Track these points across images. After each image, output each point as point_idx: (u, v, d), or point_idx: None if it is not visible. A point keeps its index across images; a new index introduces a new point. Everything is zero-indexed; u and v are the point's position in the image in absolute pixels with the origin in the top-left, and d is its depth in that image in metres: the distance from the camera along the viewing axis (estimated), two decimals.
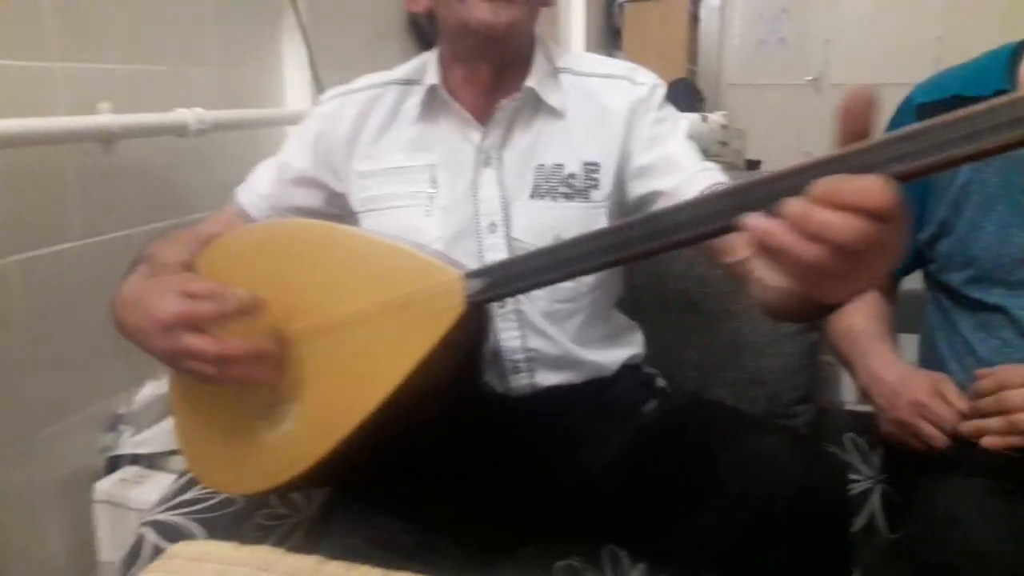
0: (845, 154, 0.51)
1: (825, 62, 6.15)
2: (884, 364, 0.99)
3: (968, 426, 0.89)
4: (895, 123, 1.09)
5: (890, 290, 1.15)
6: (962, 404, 0.91)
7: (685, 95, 3.41)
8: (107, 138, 1.10)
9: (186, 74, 1.35)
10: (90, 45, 1.17)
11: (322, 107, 1.02)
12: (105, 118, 1.10)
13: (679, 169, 0.92)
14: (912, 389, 0.94)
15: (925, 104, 1.05)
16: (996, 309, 0.99)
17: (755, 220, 0.51)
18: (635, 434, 0.95)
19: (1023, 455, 0.89)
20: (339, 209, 1.03)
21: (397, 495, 0.84)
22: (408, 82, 1.00)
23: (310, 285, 0.83)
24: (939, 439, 0.91)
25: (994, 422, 0.86)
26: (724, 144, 1.91)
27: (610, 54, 4.48)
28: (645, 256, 0.66)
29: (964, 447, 0.92)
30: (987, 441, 0.86)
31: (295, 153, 1.02)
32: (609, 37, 4.44)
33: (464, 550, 0.82)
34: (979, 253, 0.99)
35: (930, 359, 1.10)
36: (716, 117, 1.92)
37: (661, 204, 0.92)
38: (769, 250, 0.51)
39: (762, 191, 0.54)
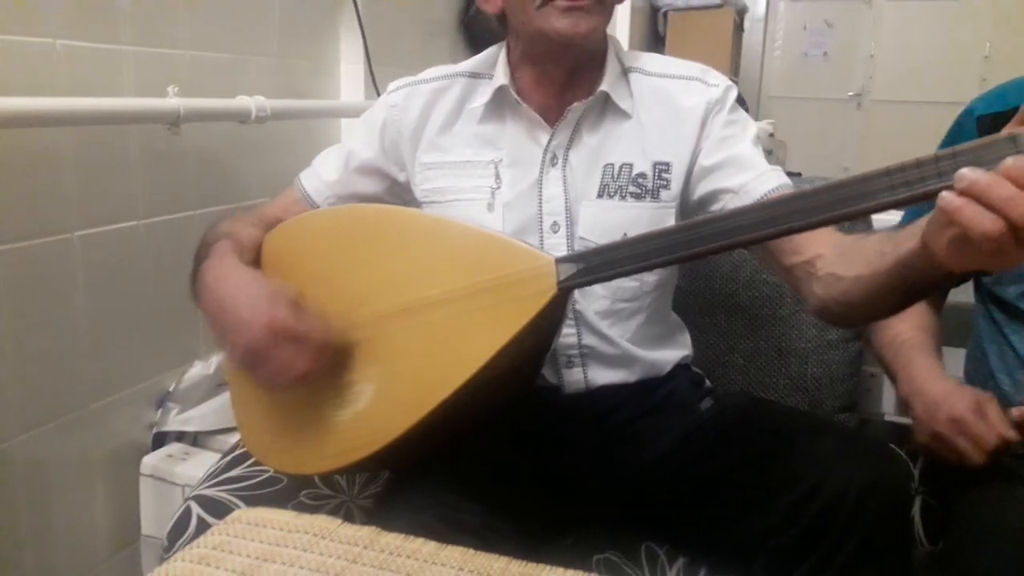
0: None
1: (868, 77, 6.09)
2: (928, 376, 0.99)
3: (1019, 412, 0.88)
4: (954, 135, 1.08)
5: (938, 302, 1.15)
6: (1003, 426, 0.90)
7: None
8: (173, 120, 1.13)
9: (247, 63, 1.39)
10: (159, 31, 1.21)
11: (389, 96, 1.03)
12: (173, 101, 1.13)
13: (748, 168, 0.92)
14: (954, 404, 0.94)
15: (986, 116, 1.04)
16: None
17: (974, 174, 0.53)
18: (692, 431, 0.95)
19: None
20: (400, 199, 1.04)
21: (463, 477, 0.85)
22: (475, 75, 1.01)
23: (390, 268, 0.84)
24: (976, 458, 0.90)
25: None
26: (770, 153, 1.91)
27: None
28: (748, 244, 0.69)
29: (1010, 457, 0.91)
30: None
31: (361, 141, 1.03)
32: (653, 44, 4.43)
33: (522, 535, 0.83)
34: None
35: (979, 371, 1.09)
36: (764, 125, 1.91)
37: (728, 201, 0.92)
38: (988, 199, 0.53)
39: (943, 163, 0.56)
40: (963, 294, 1.16)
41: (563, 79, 0.95)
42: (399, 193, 1.04)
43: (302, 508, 1.00)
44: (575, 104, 0.94)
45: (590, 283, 0.79)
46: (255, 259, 0.93)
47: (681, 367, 1.04)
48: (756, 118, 6.12)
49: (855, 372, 1.23)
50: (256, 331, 0.77)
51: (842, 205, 0.61)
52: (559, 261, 0.76)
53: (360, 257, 0.86)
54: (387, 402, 0.82)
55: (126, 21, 1.15)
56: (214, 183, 1.34)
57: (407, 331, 0.82)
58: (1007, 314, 1.04)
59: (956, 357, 1.17)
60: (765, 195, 0.89)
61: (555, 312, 0.81)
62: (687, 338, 1.08)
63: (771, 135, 1.92)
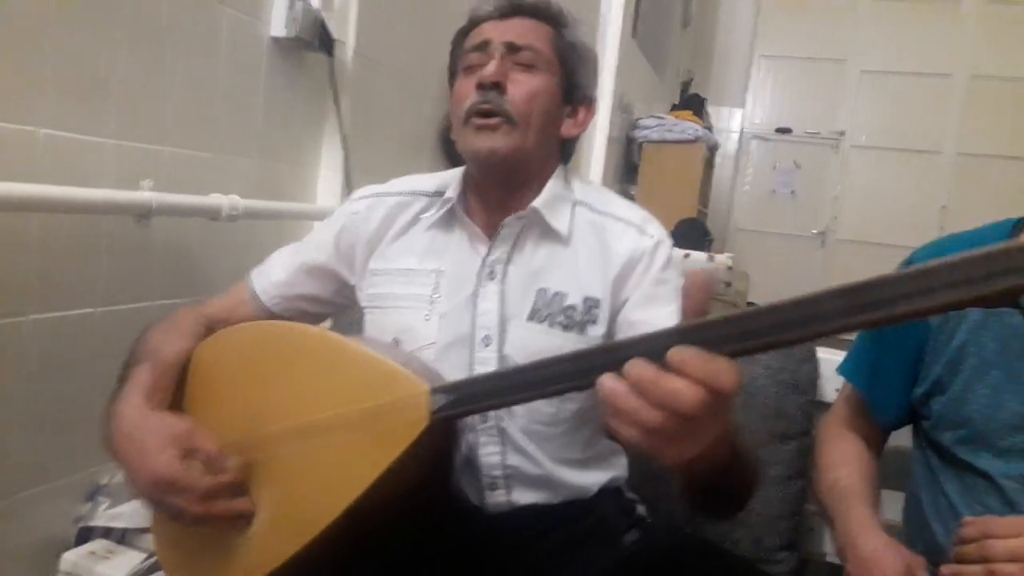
0: (698, 325, 0.55)
1: (833, 217, 6.36)
2: (862, 530, 0.99)
3: (948, 571, 0.89)
4: None
5: (878, 445, 1.17)
6: None
7: (693, 234, 3.52)
8: (144, 213, 1.16)
9: (228, 162, 1.43)
10: (144, 125, 1.25)
11: (352, 204, 1.07)
12: (145, 195, 1.16)
13: None
14: (883, 568, 0.94)
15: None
16: (982, 475, 1.00)
17: (607, 381, 0.56)
18: (615, 564, 0.94)
19: None
20: (347, 300, 1.07)
21: None
22: (436, 194, 1.05)
23: (290, 389, 0.85)
24: None
25: (974, 570, 0.85)
26: (728, 284, 1.97)
27: (625, 189, 4.66)
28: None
29: None
30: None
31: (317, 244, 1.06)
32: (626, 172, 4.62)
33: None
34: (972, 415, 1.01)
35: (914, 518, 1.10)
36: (722, 258, 1.99)
37: None
38: (617, 411, 0.55)
39: (616, 354, 0.58)
40: (903, 437, 1.18)
41: (499, 197, 1.00)
42: (348, 296, 1.06)
43: None
44: (507, 219, 0.98)
45: (466, 414, 0.78)
46: (179, 374, 0.92)
47: (610, 491, 1.03)
48: (724, 250, 6.32)
49: (797, 511, 1.23)
50: (143, 482, 0.80)
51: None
52: (434, 391, 0.75)
53: (269, 375, 0.87)
54: (273, 528, 0.82)
55: (111, 113, 1.19)
56: (180, 277, 1.35)
57: (298, 454, 0.82)
58: (943, 460, 1.06)
59: (896, 500, 1.18)
60: None
61: (441, 438, 0.81)
62: (622, 461, 1.07)
63: (729, 268, 1.98)
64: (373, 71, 1.71)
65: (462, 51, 1.01)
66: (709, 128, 5.08)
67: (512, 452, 0.96)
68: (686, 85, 5.74)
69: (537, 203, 0.97)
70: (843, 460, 1.10)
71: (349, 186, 1.63)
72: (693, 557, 0.92)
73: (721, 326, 0.54)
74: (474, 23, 1.01)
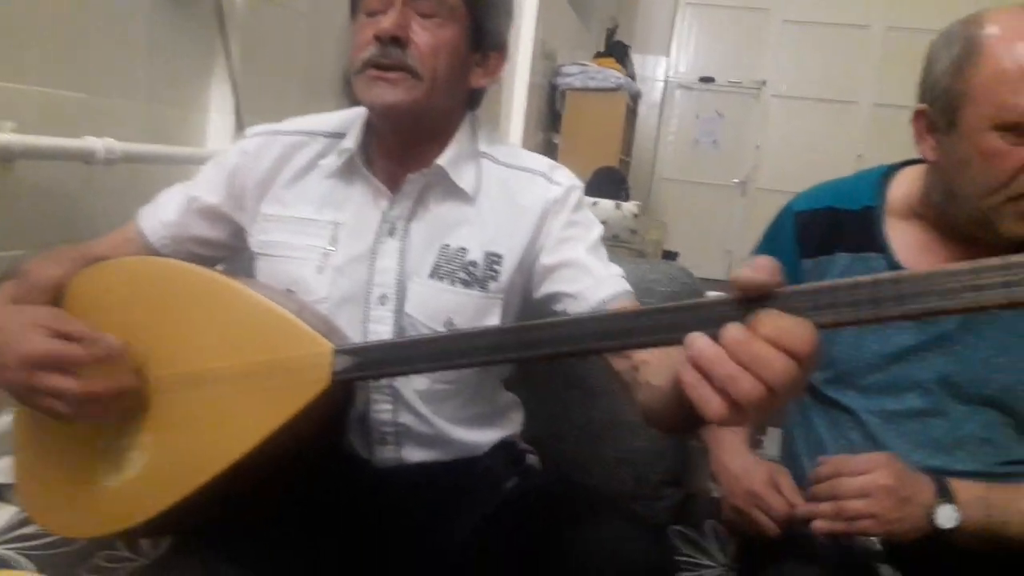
0: (781, 293, 0.55)
1: (754, 167, 6.49)
2: (731, 453, 1.04)
3: (803, 510, 0.94)
4: (776, 227, 1.16)
5: None
6: (795, 496, 0.96)
7: (610, 182, 3.55)
8: (6, 156, 1.09)
9: (106, 104, 1.36)
10: (4, 63, 1.17)
11: (245, 143, 1.01)
12: (5, 136, 1.10)
13: (586, 273, 0.93)
14: (751, 479, 0.99)
15: (802, 212, 1.12)
16: (847, 410, 1.05)
17: (701, 343, 0.53)
18: (495, 510, 0.94)
19: (854, 544, 0.94)
20: (241, 243, 1.03)
21: (243, 549, 0.82)
22: (336, 135, 0.99)
23: (181, 333, 0.83)
24: (770, 528, 0.96)
25: (824, 507, 0.91)
26: (634, 232, 2.00)
27: (549, 137, 4.65)
28: (528, 361, 0.69)
29: (806, 536, 0.97)
30: (816, 525, 0.91)
31: (208, 184, 1.01)
32: (550, 120, 4.60)
33: None
34: (837, 355, 1.05)
35: (787, 453, 1.16)
36: (629, 206, 2.01)
37: (567, 305, 0.94)
38: (711, 376, 0.53)
39: (690, 315, 0.57)
40: None
41: (399, 149, 0.96)
42: (242, 239, 1.02)
43: (95, 571, 0.95)
44: (410, 175, 0.95)
45: (368, 378, 0.78)
46: (52, 300, 0.88)
47: (502, 445, 1.03)
48: (648, 198, 6.39)
49: (682, 446, 1.28)
50: (14, 371, 0.74)
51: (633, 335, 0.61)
52: (338, 352, 0.75)
53: (162, 316, 0.84)
54: (154, 474, 0.80)
55: None
56: (54, 223, 1.29)
57: (186, 403, 0.80)
58: (813, 398, 1.11)
59: (777, 436, 1.24)
60: (602, 302, 0.91)
61: (338, 397, 0.81)
62: (518, 415, 1.09)
63: (636, 216, 2.01)
64: (268, 9, 1.64)
65: None
66: (632, 76, 5.09)
67: (404, 411, 0.96)
68: (611, 32, 5.71)
69: (442, 161, 0.94)
70: None
71: (240, 129, 1.57)
72: (560, 500, 0.95)
73: (795, 297, 0.54)
74: None
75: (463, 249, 0.95)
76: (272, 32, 1.70)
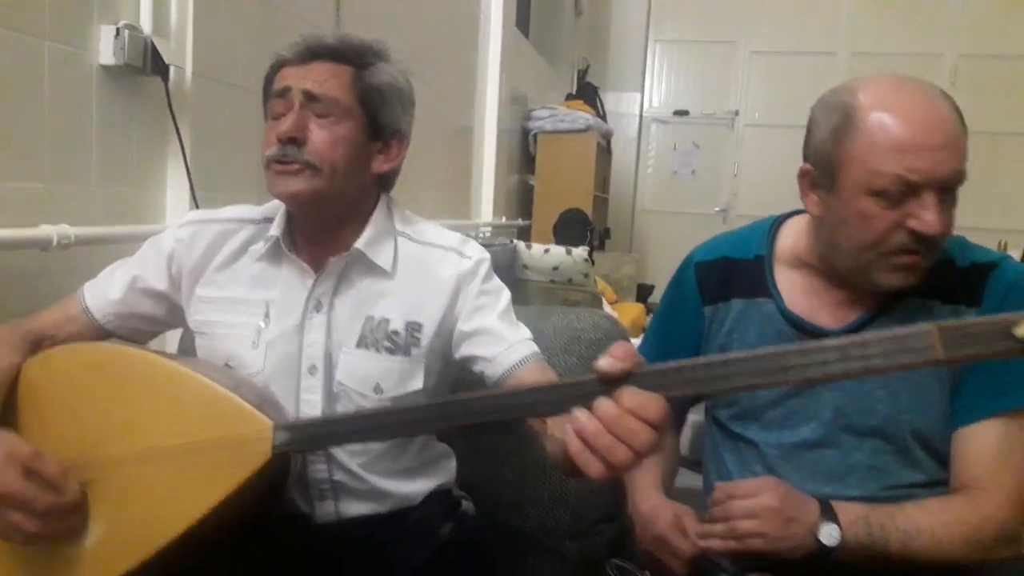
0: (638, 373, 0.68)
1: (733, 194, 6.61)
2: (642, 494, 1.11)
3: (698, 531, 1.00)
4: (679, 276, 1.25)
5: (675, 421, 1.29)
6: (697, 540, 1.02)
7: (574, 224, 3.65)
8: None
9: (62, 191, 1.46)
10: None
11: (179, 231, 1.10)
12: None
13: (499, 340, 1.04)
14: (657, 523, 1.06)
15: (701, 263, 1.21)
16: (751, 443, 1.13)
17: (583, 418, 0.67)
18: (430, 556, 1.02)
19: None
20: (179, 320, 1.11)
21: None
22: (264, 220, 1.09)
23: (132, 414, 0.91)
24: (677, 569, 1.02)
25: (718, 528, 0.98)
26: (586, 275, 2.09)
27: (524, 179, 4.76)
28: (445, 431, 0.90)
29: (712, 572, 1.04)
30: (712, 545, 0.97)
31: (150, 266, 1.09)
32: (524, 163, 4.72)
33: None
34: (739, 394, 1.13)
35: (705, 484, 1.23)
36: (579, 251, 2.10)
37: (483, 367, 1.04)
38: (592, 446, 0.66)
39: (559, 394, 0.72)
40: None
41: (319, 234, 1.05)
42: (179, 316, 1.11)
43: None
44: (331, 258, 1.03)
45: (306, 451, 0.87)
46: (13, 385, 0.95)
47: (437, 494, 1.11)
48: (631, 231, 6.46)
49: (614, 485, 1.34)
50: None
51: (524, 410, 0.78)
52: (277, 428, 0.84)
53: (111, 399, 0.92)
54: (104, 545, 0.87)
55: None
56: (17, 308, 1.37)
57: (137, 477, 0.88)
58: (722, 433, 1.18)
59: None
60: (514, 365, 1.02)
61: (274, 472, 0.88)
62: (451, 464, 1.16)
63: (586, 260, 2.10)
64: (214, 91, 1.74)
65: (271, 91, 1.04)
66: (603, 116, 5.22)
67: (337, 469, 1.04)
68: (582, 73, 5.88)
69: (360, 244, 1.03)
70: None
71: (196, 203, 1.67)
72: (495, 540, 1.04)
73: (652, 376, 0.68)
74: (277, 67, 1.04)
75: (385, 320, 1.04)
76: (221, 108, 1.80)
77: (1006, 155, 6.41)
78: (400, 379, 1.03)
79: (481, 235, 3.02)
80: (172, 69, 1.61)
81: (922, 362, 0.61)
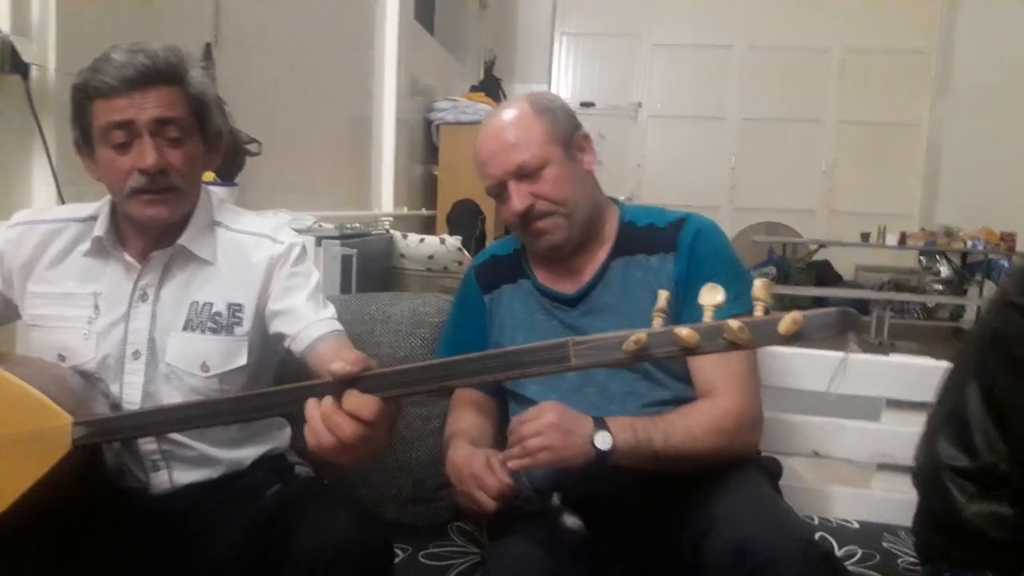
0: (365, 377, 0.84)
1: (637, 183, 6.85)
2: (455, 450, 1.22)
3: (501, 457, 1.12)
4: (465, 278, 1.45)
5: (491, 401, 1.39)
6: (503, 474, 1.14)
7: (465, 215, 3.78)
8: None
9: None
10: None
11: (7, 232, 1.17)
12: None
13: (301, 319, 1.15)
14: (471, 463, 1.16)
15: (477, 265, 1.44)
16: (530, 400, 1.25)
17: (312, 411, 0.84)
18: (255, 513, 1.10)
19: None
20: (15, 314, 1.19)
21: None
22: (90, 219, 1.16)
23: None
24: (487, 503, 1.12)
25: (513, 450, 1.10)
26: (460, 263, 2.21)
27: (429, 169, 4.85)
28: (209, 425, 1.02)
29: (517, 510, 1.17)
30: (509, 464, 1.10)
31: None
32: (428, 153, 4.81)
33: None
34: None
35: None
36: (453, 240, 2.22)
37: (288, 344, 1.15)
38: (314, 431, 0.83)
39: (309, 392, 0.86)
40: None
41: (152, 236, 1.14)
42: (13, 310, 1.18)
43: None
44: (154, 252, 1.13)
45: (107, 442, 0.95)
46: None
47: (268, 459, 1.20)
48: None
49: None
50: None
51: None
52: (76, 423, 0.92)
53: None
54: None
55: None
56: None
57: None
58: (513, 399, 1.33)
59: None
60: (314, 340, 1.13)
61: (81, 462, 0.96)
62: (284, 432, 1.26)
63: (459, 248, 2.22)
64: None
65: (94, 118, 1.06)
66: None
67: (164, 440, 1.13)
68: (489, 65, 5.98)
69: (183, 240, 1.13)
70: (453, 419, 1.36)
71: (61, 198, 1.72)
72: (304, 498, 1.10)
73: (376, 378, 0.84)
74: (101, 93, 1.04)
75: (209, 304, 1.14)
76: None
77: (888, 144, 6.84)
78: (225, 357, 1.13)
79: (382, 225, 3.09)
80: (34, 68, 1.65)
81: (559, 369, 0.82)
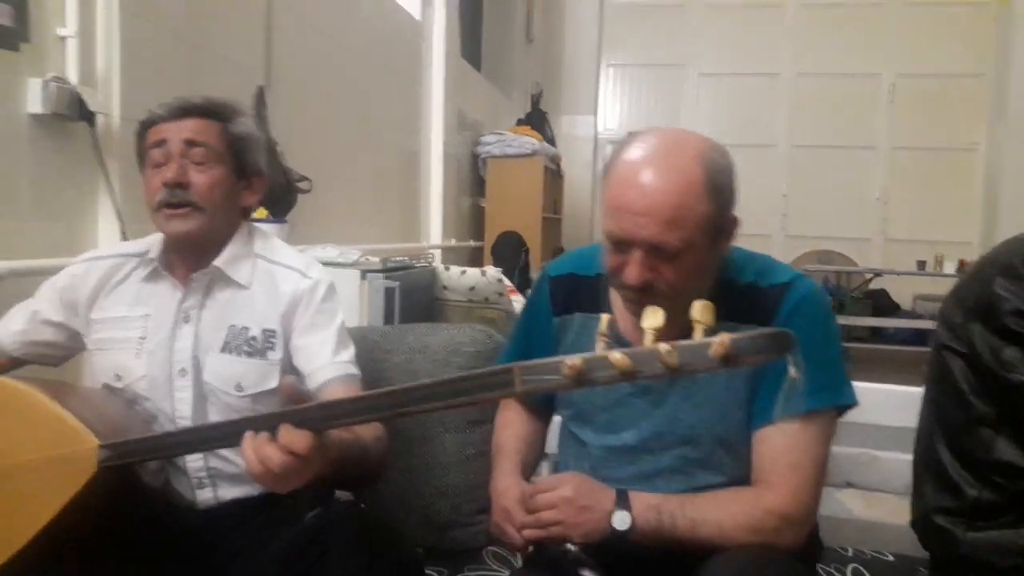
0: (298, 410, 0.89)
1: None
2: (499, 475, 1.24)
3: (518, 523, 1.15)
4: (536, 288, 1.39)
5: (541, 413, 1.38)
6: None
7: (508, 246, 3.84)
8: None
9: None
10: None
11: (73, 268, 1.29)
12: None
13: (318, 358, 1.22)
14: (507, 497, 1.17)
15: (554, 277, 1.36)
16: (583, 443, 1.26)
17: (247, 443, 0.88)
18: (293, 537, 1.13)
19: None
20: (80, 345, 1.28)
21: None
22: (145, 253, 1.27)
23: None
24: (515, 539, 1.15)
25: (528, 518, 1.12)
26: (501, 294, 2.26)
27: (476, 201, 4.94)
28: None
29: (545, 549, 1.19)
30: (525, 534, 1.12)
31: (46, 301, 1.28)
32: (475, 186, 4.91)
33: None
34: (576, 399, 1.25)
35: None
36: (493, 271, 2.27)
37: (303, 381, 1.21)
38: (248, 460, 0.88)
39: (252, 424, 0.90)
40: None
41: (194, 257, 1.23)
42: (79, 340, 1.28)
43: None
44: (194, 275, 1.22)
45: (133, 464, 1.01)
46: None
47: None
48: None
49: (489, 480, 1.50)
50: None
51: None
52: (102, 446, 0.97)
53: None
54: None
55: None
56: None
57: None
58: (567, 432, 1.33)
59: None
60: (326, 381, 1.20)
61: (111, 482, 0.99)
62: None
63: (499, 280, 2.27)
64: None
65: (145, 144, 1.21)
66: (551, 140, 5.42)
67: (212, 456, 1.20)
68: (536, 98, 6.08)
69: (218, 262, 1.22)
70: (504, 424, 1.35)
71: (125, 235, 1.83)
72: (350, 522, 1.13)
73: (310, 411, 0.89)
74: (150, 123, 1.21)
75: (246, 328, 1.22)
76: None
77: (944, 170, 6.70)
78: (258, 379, 1.20)
79: (427, 257, 3.17)
80: (100, 116, 1.78)
81: (504, 395, 0.84)
